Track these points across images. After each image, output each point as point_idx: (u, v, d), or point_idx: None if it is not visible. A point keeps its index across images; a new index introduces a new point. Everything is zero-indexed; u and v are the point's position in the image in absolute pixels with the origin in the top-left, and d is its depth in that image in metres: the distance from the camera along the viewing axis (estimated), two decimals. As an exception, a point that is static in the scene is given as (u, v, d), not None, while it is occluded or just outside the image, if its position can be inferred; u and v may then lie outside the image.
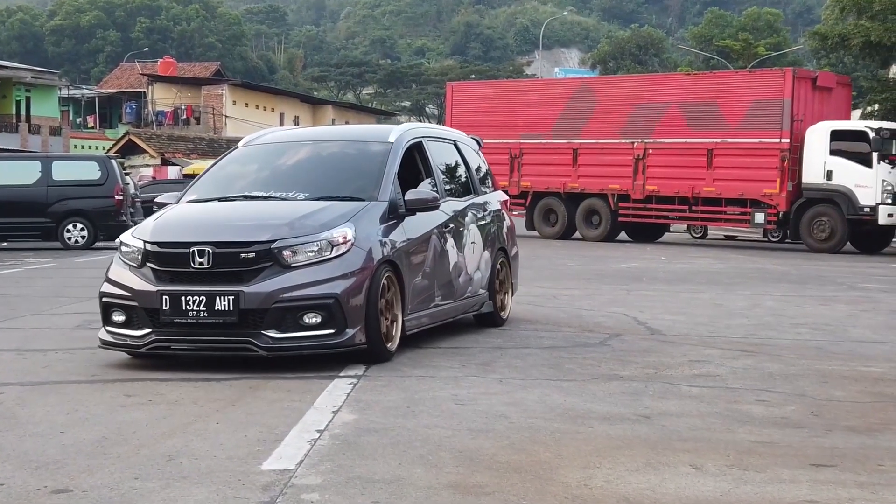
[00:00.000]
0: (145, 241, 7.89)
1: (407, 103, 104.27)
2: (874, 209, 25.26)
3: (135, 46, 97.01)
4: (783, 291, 14.84)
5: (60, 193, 23.85)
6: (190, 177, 44.65)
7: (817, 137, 26.07)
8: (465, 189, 10.31)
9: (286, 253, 7.60)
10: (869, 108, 33.25)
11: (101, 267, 18.83)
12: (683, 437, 5.69)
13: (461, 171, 10.44)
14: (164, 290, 7.61)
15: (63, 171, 24.26)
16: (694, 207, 28.27)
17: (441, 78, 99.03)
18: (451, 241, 9.34)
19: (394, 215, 8.44)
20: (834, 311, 12.43)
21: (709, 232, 33.66)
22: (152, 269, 7.79)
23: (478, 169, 10.80)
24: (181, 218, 8.32)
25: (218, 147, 51.98)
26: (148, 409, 6.31)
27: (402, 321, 8.29)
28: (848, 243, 26.48)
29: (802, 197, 26.43)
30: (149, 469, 4.96)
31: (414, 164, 9.39)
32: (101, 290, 8.10)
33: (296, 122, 66.30)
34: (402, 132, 9.39)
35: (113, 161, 25.22)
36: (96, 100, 68.34)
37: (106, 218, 24.20)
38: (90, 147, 54.75)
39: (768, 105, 26.61)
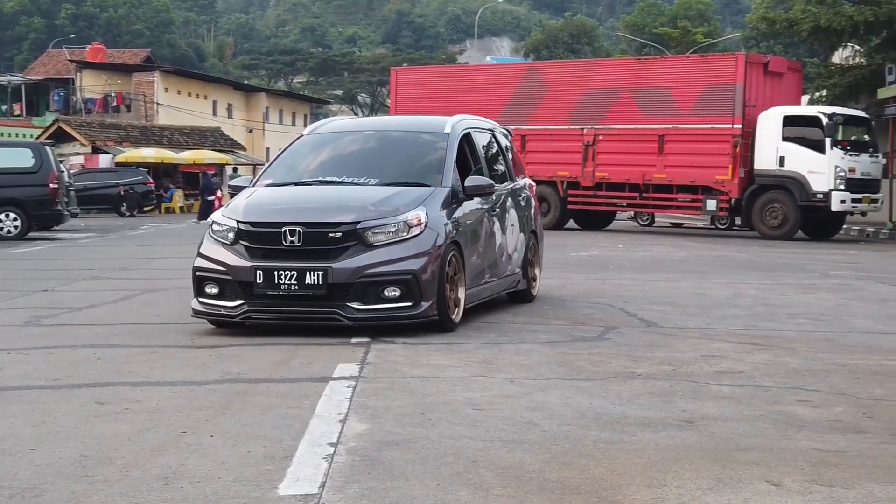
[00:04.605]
0: (238, 221, 8.60)
1: (339, 92, 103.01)
2: (827, 195, 24.99)
3: (60, 33, 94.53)
4: (758, 279, 14.35)
5: (-8, 182, 22.75)
6: (122, 165, 43.47)
7: (769, 123, 25.77)
8: (504, 175, 10.98)
9: (369, 233, 8.35)
10: (816, 94, 33.04)
11: (39, 258, 18.13)
12: (741, 446, 5.07)
13: (500, 158, 11.15)
14: (258, 265, 8.34)
15: (-6, 159, 23.17)
16: (644, 194, 27.86)
17: (373, 66, 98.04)
18: (497, 224, 10.13)
19: (454, 200, 9.15)
20: (821, 299, 11.95)
21: (655, 219, 33.32)
22: (245, 246, 8.50)
23: (512, 157, 11.54)
24: (269, 200, 9.00)
25: (151, 135, 50.61)
26: (127, 420, 5.54)
27: (466, 296, 9.06)
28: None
29: (754, 183, 26.13)
30: (145, 496, 4.21)
31: (462, 152, 9.99)
32: (195, 264, 8.77)
33: (229, 110, 65.02)
34: (454, 123, 10.10)
35: (47, 148, 24.19)
36: (23, 87, 66.36)
37: (40, 207, 23.24)
38: (17, 135, 53.07)
39: (720, 90, 26.26)
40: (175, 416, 5.64)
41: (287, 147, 10.41)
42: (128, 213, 39.48)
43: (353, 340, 8.18)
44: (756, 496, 4.27)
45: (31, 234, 23.73)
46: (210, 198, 35.12)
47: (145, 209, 41.56)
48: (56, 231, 26.18)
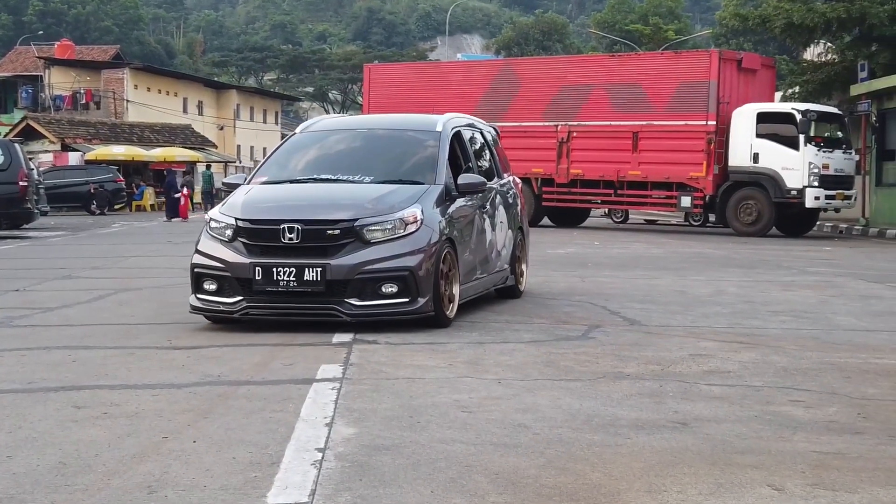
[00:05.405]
0: (237, 219, 8.69)
1: (310, 89, 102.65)
2: (801, 192, 24.99)
3: (28, 30, 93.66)
4: (737, 276, 14.29)
5: (-40, 180, 22.42)
6: (92, 163, 43.07)
7: (744, 120, 25.76)
8: (490, 172, 11.01)
9: (366, 230, 8.46)
10: (790, 91, 33.08)
11: (10, 257, 17.84)
12: (738, 448, 4.96)
13: (488, 156, 11.27)
14: (257, 262, 8.45)
15: (-38, 157, 22.82)
16: (619, 191, 27.80)
17: (344, 63, 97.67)
18: (487, 221, 10.27)
19: (448, 197, 9.29)
20: (802, 296, 11.88)
21: (629, 216, 33.28)
22: (244, 243, 8.61)
23: (499, 154, 11.64)
24: (266, 198, 9.11)
25: (121, 132, 50.21)
26: (105, 425, 5.37)
27: (459, 292, 9.19)
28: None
29: (729, 180, 26.10)
30: (128, 505, 4.06)
31: (453, 150, 10.07)
32: (193, 261, 8.84)
33: (199, 107, 64.61)
34: (445, 121, 10.23)
35: (17, 145, 23.90)
36: (-10, 84, 65.73)
37: (10, 205, 22.94)
38: (-15, 133, 52.51)
39: (694, 87, 26.21)
40: (156, 420, 5.47)
41: (280, 145, 10.48)
42: (98, 212, 39.13)
43: (335, 340, 8.04)
44: (759, 501, 4.15)
45: (1, 233, 23.40)
46: (176, 195, 34.84)
47: (115, 207, 41.23)
48: (26, 229, 25.84)
